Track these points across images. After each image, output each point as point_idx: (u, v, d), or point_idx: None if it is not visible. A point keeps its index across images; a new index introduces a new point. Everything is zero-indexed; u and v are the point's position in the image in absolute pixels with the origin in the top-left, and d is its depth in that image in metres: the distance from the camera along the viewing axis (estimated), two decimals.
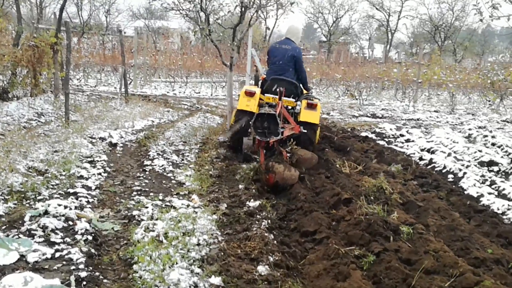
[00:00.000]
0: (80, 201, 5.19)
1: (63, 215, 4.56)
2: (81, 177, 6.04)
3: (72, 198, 5.18)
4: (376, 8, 50.41)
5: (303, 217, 5.13)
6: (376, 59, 33.51)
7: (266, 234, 4.45)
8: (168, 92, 19.49)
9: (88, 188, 5.66)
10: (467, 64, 33.56)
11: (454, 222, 5.11)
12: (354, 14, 73.39)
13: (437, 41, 45.11)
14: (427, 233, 4.72)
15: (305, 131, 7.61)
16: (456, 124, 14.09)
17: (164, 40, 30.62)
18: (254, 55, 12.79)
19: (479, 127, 12.21)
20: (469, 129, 11.13)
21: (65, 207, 4.81)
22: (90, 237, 4.23)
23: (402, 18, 50.94)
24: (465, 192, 6.51)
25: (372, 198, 5.57)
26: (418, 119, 14.99)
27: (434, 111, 17.77)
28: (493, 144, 9.45)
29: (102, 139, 8.30)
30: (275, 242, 4.45)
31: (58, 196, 5.25)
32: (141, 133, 9.25)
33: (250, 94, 7.80)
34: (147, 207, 5.14)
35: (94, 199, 5.36)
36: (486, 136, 9.99)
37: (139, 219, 4.81)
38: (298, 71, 8.22)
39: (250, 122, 6.55)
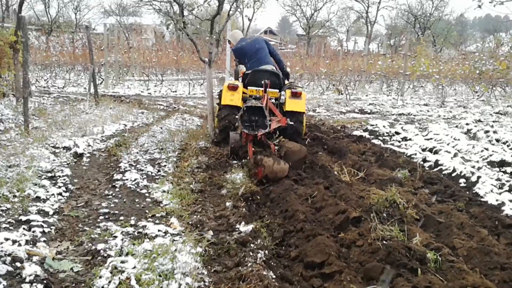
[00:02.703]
0: (34, 232, 4.24)
1: (9, 254, 3.65)
2: (38, 199, 5.10)
3: (24, 229, 4.24)
4: None
5: (305, 241, 4.24)
6: (357, 52, 32.82)
7: (264, 273, 3.54)
8: (142, 92, 18.50)
9: (45, 214, 4.71)
10: (447, 55, 33.11)
11: (484, 242, 4.28)
12: (333, 6, 72.65)
13: (417, 32, 44.64)
14: (457, 259, 3.89)
15: (292, 123, 7.50)
16: (449, 118, 13.40)
17: (136, 36, 29.41)
18: None
19: (476, 121, 11.54)
20: (467, 124, 10.39)
21: (14, 242, 3.91)
22: (40, 286, 3.29)
23: (381, 9, 50.39)
24: (483, 200, 5.69)
25: (384, 215, 4.71)
26: (409, 114, 14.27)
27: (424, 104, 17.09)
28: (497, 140, 8.71)
29: (67, 148, 7.36)
30: (274, 279, 3.56)
31: (8, 226, 4.32)
32: (112, 140, 8.31)
33: (233, 88, 7.66)
34: (115, 237, 4.21)
35: (51, 229, 4.40)
36: (487, 131, 9.25)
37: (105, 255, 3.86)
38: (273, 56, 8.35)
39: (237, 116, 6.49)
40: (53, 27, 31.50)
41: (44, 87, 18.50)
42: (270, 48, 8.39)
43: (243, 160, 6.44)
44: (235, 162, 7.14)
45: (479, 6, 8.79)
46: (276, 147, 6.79)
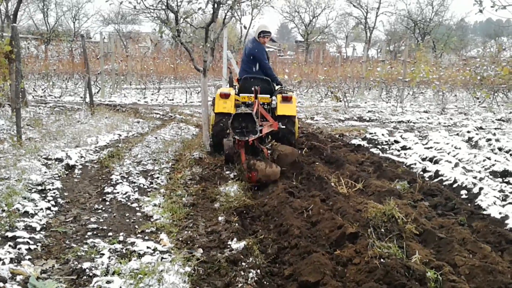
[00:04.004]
0: (19, 249, 4.09)
1: None
2: (26, 213, 4.94)
3: (9, 246, 4.10)
4: (354, 5, 49.62)
5: (300, 259, 4.05)
6: (356, 58, 32.66)
7: None
8: (139, 100, 18.34)
9: (32, 230, 4.55)
10: (447, 60, 32.95)
11: (487, 259, 4.09)
12: (331, 12, 72.63)
13: (417, 38, 44.48)
14: (459, 278, 3.71)
15: (284, 127, 7.75)
16: (449, 126, 13.22)
17: (133, 44, 29.24)
18: (230, 57, 11.78)
19: (478, 128, 11.37)
20: (468, 132, 10.21)
21: None
22: None
23: (380, 14, 50.24)
24: (486, 213, 5.49)
25: (382, 230, 4.53)
26: (408, 121, 14.08)
27: (424, 111, 16.91)
28: (500, 149, 8.53)
29: (59, 160, 7.17)
30: None
31: None
32: (105, 151, 8.14)
33: (225, 96, 7.91)
34: (102, 255, 4.04)
35: (37, 246, 4.24)
36: (489, 139, 9.07)
37: (91, 274, 3.70)
38: (262, 68, 8.38)
39: (228, 123, 6.64)
40: (52, 36, 31.43)
41: (41, 96, 18.34)
42: (260, 64, 8.38)
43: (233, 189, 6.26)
44: (228, 172, 7.02)
45: (480, 11, 8.62)
46: (269, 151, 6.99)
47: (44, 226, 4.73)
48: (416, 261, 3.88)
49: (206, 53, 8.04)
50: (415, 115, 15.57)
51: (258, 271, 3.82)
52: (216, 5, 7.73)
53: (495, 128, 12.13)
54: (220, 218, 5.05)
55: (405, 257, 3.97)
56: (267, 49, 8.91)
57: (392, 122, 14.10)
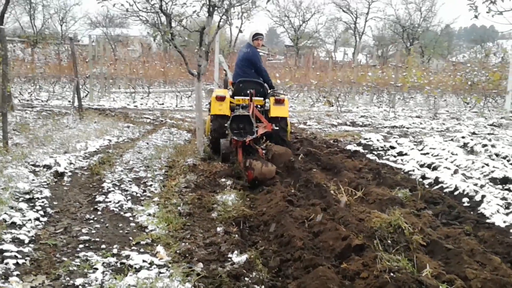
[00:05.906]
0: (7, 264, 3.84)
1: None
2: (13, 225, 4.69)
3: None
4: (343, 10, 49.75)
5: (304, 272, 3.86)
6: (346, 63, 32.61)
7: None
8: (128, 105, 18.08)
9: (20, 243, 4.31)
10: (435, 65, 33.08)
11: (498, 272, 3.93)
12: (321, 17, 72.71)
13: (405, 43, 44.62)
14: None
15: (277, 128, 8.04)
16: (443, 131, 13.15)
17: (122, 47, 28.94)
18: (222, 61, 11.59)
19: (471, 134, 11.31)
20: (463, 137, 10.12)
21: None
22: None
23: (369, 20, 50.44)
24: (490, 221, 5.35)
25: (389, 241, 4.35)
26: (401, 126, 14.01)
27: (416, 116, 16.87)
28: (496, 155, 8.43)
29: (47, 167, 6.92)
30: None
31: None
32: (95, 157, 7.89)
33: (221, 98, 8.09)
34: (96, 269, 3.83)
35: (26, 260, 3.99)
36: (485, 145, 8.97)
37: None
38: (257, 72, 8.58)
39: (226, 124, 7.00)
40: (39, 38, 31.03)
41: (28, 100, 17.97)
42: (255, 68, 8.57)
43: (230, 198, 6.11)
44: (224, 180, 6.81)
45: (476, 17, 8.53)
46: (264, 151, 7.29)
47: (33, 238, 4.49)
48: (428, 275, 3.70)
49: (200, 57, 7.85)
50: (407, 120, 15.54)
51: (262, 286, 3.62)
52: (211, 9, 7.55)
53: (488, 134, 12.09)
54: (218, 229, 4.84)
55: (415, 270, 3.80)
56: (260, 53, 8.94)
57: (386, 127, 14.03)
